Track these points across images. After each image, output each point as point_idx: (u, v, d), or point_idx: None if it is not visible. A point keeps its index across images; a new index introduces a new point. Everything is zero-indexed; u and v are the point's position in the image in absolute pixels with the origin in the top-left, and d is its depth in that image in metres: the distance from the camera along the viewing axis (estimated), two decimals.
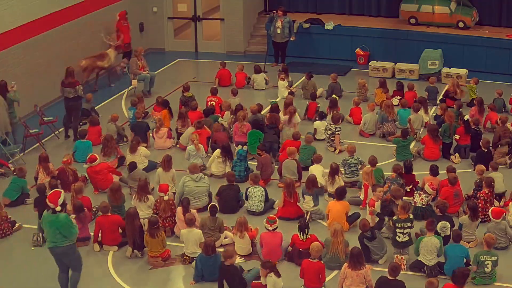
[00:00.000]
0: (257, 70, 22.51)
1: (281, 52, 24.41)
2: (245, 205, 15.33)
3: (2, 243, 14.43)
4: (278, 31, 23.91)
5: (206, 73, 24.43)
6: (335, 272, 13.05)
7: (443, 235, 13.44)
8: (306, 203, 14.90)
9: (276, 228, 13.49)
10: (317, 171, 16.04)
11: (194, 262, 13.11)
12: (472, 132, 17.57)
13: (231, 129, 18.33)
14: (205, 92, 20.86)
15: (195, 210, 14.45)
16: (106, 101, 21.63)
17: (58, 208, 11.94)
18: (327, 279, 12.66)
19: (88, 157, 16.19)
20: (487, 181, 14.81)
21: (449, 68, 22.86)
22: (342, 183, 15.63)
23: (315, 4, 26.78)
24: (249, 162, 16.96)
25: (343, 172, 16.24)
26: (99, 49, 22.69)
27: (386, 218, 14.06)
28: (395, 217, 13.58)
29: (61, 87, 18.87)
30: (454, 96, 20.26)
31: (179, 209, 14.29)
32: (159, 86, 22.40)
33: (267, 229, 13.47)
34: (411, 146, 17.74)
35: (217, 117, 18.88)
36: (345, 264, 12.32)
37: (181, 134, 18.45)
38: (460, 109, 18.79)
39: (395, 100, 20.07)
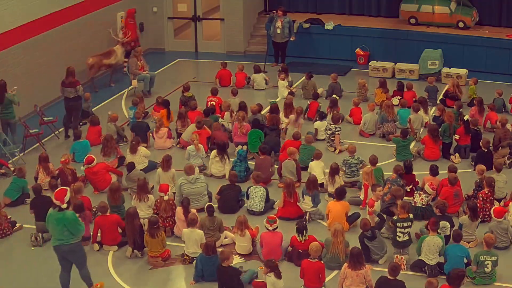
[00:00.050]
0: (257, 70, 22.51)
1: (281, 52, 24.41)
2: (245, 204, 15.33)
3: (2, 243, 14.43)
4: (278, 31, 23.91)
5: (206, 73, 24.43)
6: (335, 272, 13.05)
7: (442, 235, 13.42)
8: (305, 204, 14.90)
9: (277, 228, 13.49)
10: (318, 167, 16.05)
11: (194, 262, 13.11)
12: (472, 132, 17.57)
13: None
14: (205, 92, 20.86)
15: (195, 211, 14.44)
16: (106, 101, 21.64)
17: (65, 206, 11.98)
18: (327, 279, 12.66)
19: (85, 159, 16.18)
20: (487, 181, 14.80)
21: (449, 68, 22.86)
22: (342, 182, 15.65)
23: (315, 4, 26.78)
24: (249, 162, 16.95)
25: (344, 169, 16.24)
26: (99, 49, 22.69)
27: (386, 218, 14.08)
28: (395, 217, 13.58)
29: (61, 87, 18.87)
30: (455, 95, 20.27)
31: (178, 209, 14.29)
32: (159, 86, 22.41)
33: (267, 229, 13.47)
34: (411, 146, 17.74)
35: (217, 117, 18.88)
36: (345, 264, 12.32)
37: (181, 134, 18.45)
38: (461, 109, 18.78)
39: (395, 100, 20.07)
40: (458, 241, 13.12)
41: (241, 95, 20.52)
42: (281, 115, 18.92)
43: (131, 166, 15.94)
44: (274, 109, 18.77)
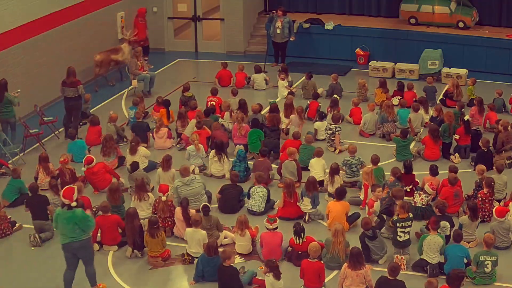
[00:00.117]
0: (258, 70, 22.50)
1: (281, 52, 24.41)
2: (246, 204, 15.33)
3: (2, 243, 14.43)
4: (278, 31, 23.91)
5: (206, 73, 24.44)
6: (335, 272, 13.05)
7: (443, 235, 13.42)
8: (304, 205, 14.89)
9: (277, 227, 13.49)
10: (318, 165, 16.04)
11: (196, 261, 13.12)
12: (472, 132, 17.57)
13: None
14: (205, 92, 20.86)
15: (194, 211, 14.44)
16: (106, 101, 21.64)
17: (74, 204, 12.02)
18: (327, 279, 12.67)
19: (84, 159, 16.17)
20: (487, 181, 14.80)
21: (449, 68, 22.86)
22: (342, 182, 15.64)
23: (315, 4, 26.78)
24: (249, 162, 16.94)
25: (345, 169, 16.25)
26: (99, 49, 22.70)
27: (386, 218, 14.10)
28: (395, 217, 13.58)
29: (62, 87, 18.85)
30: (453, 96, 20.28)
31: (178, 210, 14.29)
32: (159, 86, 22.41)
33: (267, 228, 13.47)
34: (411, 146, 17.74)
35: (217, 117, 18.88)
36: (345, 264, 12.32)
37: (181, 134, 18.46)
38: (462, 109, 18.76)
39: (395, 100, 20.07)
40: (459, 241, 13.12)
41: (241, 95, 20.50)
42: (281, 115, 18.91)
43: (135, 166, 15.93)
44: (274, 109, 18.76)
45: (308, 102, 20.06)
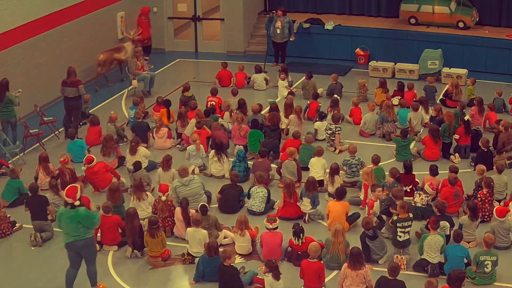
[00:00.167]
0: (258, 70, 22.49)
1: (281, 52, 24.41)
2: (246, 204, 15.32)
3: (2, 243, 14.43)
4: (278, 31, 23.91)
5: (206, 73, 24.44)
6: (335, 272, 13.05)
7: (443, 235, 13.42)
8: (304, 205, 14.88)
9: (277, 227, 13.49)
10: (318, 164, 16.04)
11: (196, 260, 13.12)
12: (472, 132, 17.56)
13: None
14: (205, 92, 20.86)
15: (194, 211, 14.44)
16: (106, 101, 21.65)
17: (77, 203, 12.04)
18: (327, 279, 12.67)
19: (85, 159, 16.17)
20: (486, 181, 14.79)
21: (449, 68, 22.86)
22: (342, 182, 15.64)
23: (315, 4, 26.77)
24: (248, 163, 16.94)
25: (345, 169, 16.25)
26: (99, 49, 22.71)
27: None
28: (395, 217, 13.57)
29: (62, 87, 18.84)
30: (453, 97, 20.28)
31: (177, 210, 14.29)
32: (159, 86, 22.41)
33: (267, 228, 13.47)
34: (411, 146, 17.74)
35: (217, 117, 18.88)
36: (345, 264, 12.32)
37: (181, 134, 18.46)
38: (464, 110, 18.75)
39: (395, 100, 20.06)
40: (459, 241, 13.11)
41: (241, 95, 20.48)
42: (281, 115, 18.90)
43: (137, 166, 15.93)
44: (274, 109, 18.76)
45: (308, 102, 20.06)
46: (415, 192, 15.17)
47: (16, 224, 14.80)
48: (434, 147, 17.42)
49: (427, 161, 17.12)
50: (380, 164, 15.92)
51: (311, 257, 12.40)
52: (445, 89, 21.16)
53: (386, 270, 12.19)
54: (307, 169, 16.27)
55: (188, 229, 13.69)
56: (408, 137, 17.45)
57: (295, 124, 18.50)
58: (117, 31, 23.95)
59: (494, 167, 15.78)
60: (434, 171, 15.48)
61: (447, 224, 13.66)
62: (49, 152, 17.26)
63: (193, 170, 16.66)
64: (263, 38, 25.68)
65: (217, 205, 15.45)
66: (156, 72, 23.08)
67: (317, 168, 16.01)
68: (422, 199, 14.85)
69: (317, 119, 18.93)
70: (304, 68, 23.14)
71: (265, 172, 16.04)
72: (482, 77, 22.14)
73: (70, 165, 16.28)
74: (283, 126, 18.63)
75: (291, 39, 24.14)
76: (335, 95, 20.34)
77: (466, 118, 17.97)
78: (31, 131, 18.15)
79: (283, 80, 21.46)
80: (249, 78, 22.56)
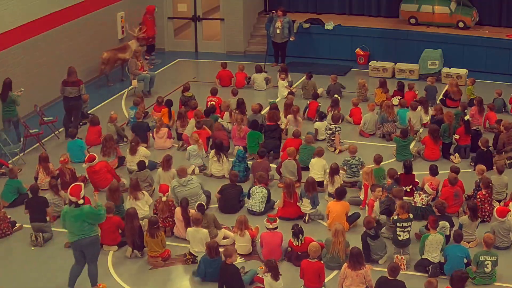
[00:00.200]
0: (258, 70, 22.48)
1: (281, 52, 24.40)
2: (246, 204, 15.32)
3: (2, 243, 14.43)
4: (278, 31, 23.91)
5: (206, 73, 24.44)
6: (335, 272, 13.05)
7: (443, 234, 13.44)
8: (304, 206, 14.88)
9: (277, 227, 13.49)
10: (318, 165, 16.03)
11: (198, 258, 13.12)
12: (472, 132, 17.56)
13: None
14: (205, 92, 20.86)
15: (193, 211, 14.44)
16: (106, 101, 21.65)
17: (81, 201, 12.06)
18: (327, 279, 12.67)
19: (87, 157, 16.17)
20: (484, 182, 14.79)
21: (449, 68, 22.86)
22: (342, 182, 15.64)
23: (315, 4, 26.77)
24: (248, 163, 16.93)
25: (345, 169, 16.25)
26: (99, 49, 22.71)
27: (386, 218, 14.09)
28: (395, 217, 13.57)
29: (62, 86, 18.85)
30: (452, 96, 20.28)
31: (177, 210, 14.29)
32: (159, 86, 22.41)
33: (267, 228, 13.47)
34: (411, 146, 17.74)
35: (217, 117, 18.88)
36: (345, 264, 12.32)
37: (181, 134, 18.46)
38: (465, 110, 18.75)
39: (395, 100, 20.06)
40: (459, 241, 13.12)
41: (241, 95, 20.45)
42: (281, 115, 18.89)
43: (141, 165, 15.92)
44: (274, 109, 18.74)
45: (308, 102, 20.06)
46: (415, 192, 15.16)
47: (16, 224, 14.80)
48: (434, 147, 17.42)
49: (427, 161, 17.12)
50: (381, 164, 15.92)
51: (311, 257, 12.40)
52: (445, 89, 21.15)
53: (386, 270, 12.19)
54: (307, 169, 16.27)
55: (189, 229, 13.70)
56: (408, 137, 17.45)
57: (293, 124, 18.49)
58: (117, 31, 23.96)
59: (494, 168, 15.79)
60: (434, 171, 15.48)
61: (447, 224, 13.67)
62: (49, 152, 17.26)
63: (193, 170, 16.66)
64: (263, 38, 25.68)
65: (217, 205, 15.44)
66: (156, 72, 23.10)
67: (317, 168, 16.01)
68: (422, 199, 14.85)
69: (317, 119, 18.93)
70: (304, 68, 23.14)
71: (265, 173, 16.03)
72: (482, 77, 22.14)
73: (70, 165, 16.28)
74: (282, 126, 18.62)
75: (291, 39, 24.13)
76: (336, 95, 20.34)
77: (466, 118, 17.98)
78: (31, 131, 18.15)
79: (283, 80, 21.46)
80: (249, 78, 22.56)
